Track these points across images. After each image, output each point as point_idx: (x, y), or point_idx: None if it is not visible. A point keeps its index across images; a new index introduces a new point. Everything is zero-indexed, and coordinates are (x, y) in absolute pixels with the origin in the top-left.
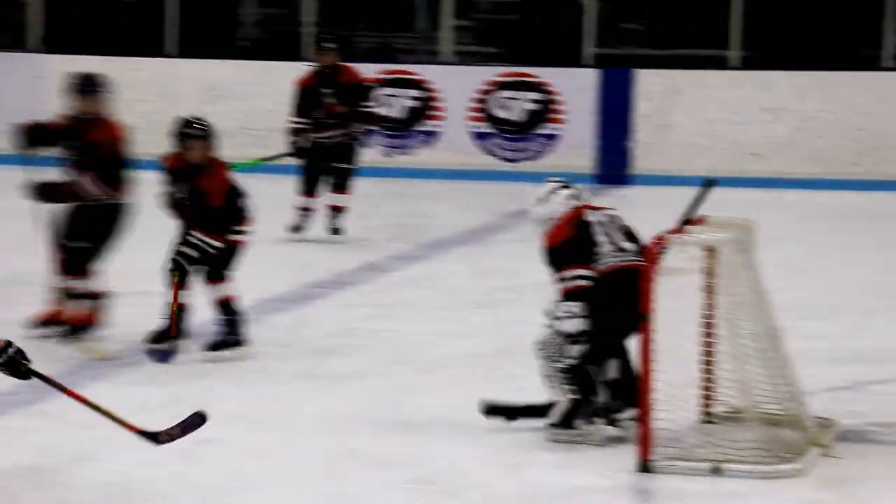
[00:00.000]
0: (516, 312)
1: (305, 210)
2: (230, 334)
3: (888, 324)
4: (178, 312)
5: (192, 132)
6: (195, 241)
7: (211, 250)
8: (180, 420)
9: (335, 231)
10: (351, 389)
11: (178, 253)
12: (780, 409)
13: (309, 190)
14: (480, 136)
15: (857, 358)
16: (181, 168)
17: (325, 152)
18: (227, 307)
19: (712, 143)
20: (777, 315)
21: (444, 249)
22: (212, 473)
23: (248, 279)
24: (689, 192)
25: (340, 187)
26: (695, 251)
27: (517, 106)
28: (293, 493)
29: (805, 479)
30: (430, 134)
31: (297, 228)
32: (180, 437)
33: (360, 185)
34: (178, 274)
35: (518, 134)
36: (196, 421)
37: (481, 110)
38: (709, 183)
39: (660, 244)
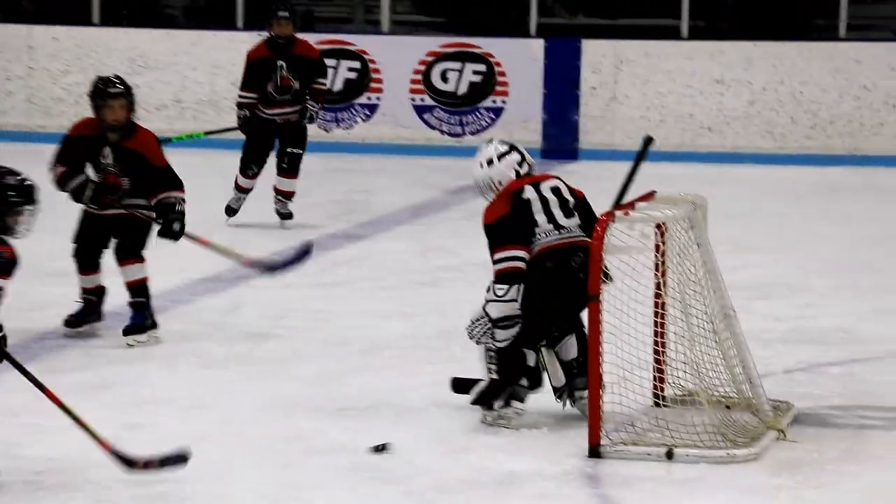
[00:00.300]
0: (460, 292)
1: (244, 192)
2: (146, 318)
3: (845, 303)
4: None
5: (114, 90)
6: (173, 199)
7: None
8: (162, 455)
9: (284, 216)
10: (289, 372)
11: (175, 220)
12: (735, 392)
13: (252, 170)
14: (422, 110)
15: (813, 339)
16: (99, 135)
17: (274, 131)
18: (141, 289)
19: (662, 116)
20: (730, 295)
21: (385, 227)
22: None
23: (181, 259)
24: (640, 168)
25: (291, 172)
26: (645, 228)
27: (460, 78)
28: (230, 479)
29: (760, 464)
30: (369, 107)
31: (232, 211)
32: (156, 469)
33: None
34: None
35: (461, 107)
36: (177, 459)
37: (423, 82)
38: (648, 141)
39: (607, 221)
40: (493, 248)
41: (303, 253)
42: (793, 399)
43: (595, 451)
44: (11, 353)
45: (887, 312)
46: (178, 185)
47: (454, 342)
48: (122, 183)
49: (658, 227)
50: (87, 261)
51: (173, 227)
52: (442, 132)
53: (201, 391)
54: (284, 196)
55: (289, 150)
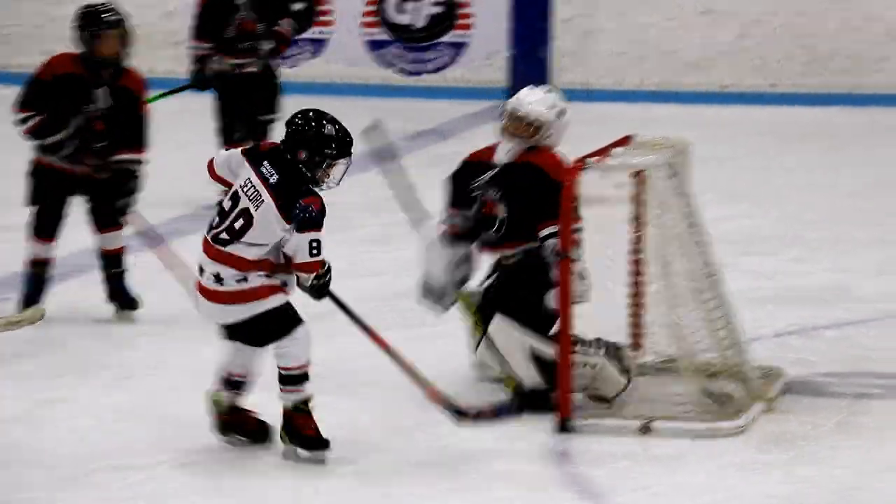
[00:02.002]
0: (416, 250)
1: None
2: (126, 294)
3: (841, 258)
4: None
5: (112, 17)
6: (132, 165)
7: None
8: (496, 405)
9: None
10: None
11: (127, 194)
12: (719, 359)
13: (239, 133)
14: (376, 46)
15: (806, 298)
16: (87, 74)
17: (240, 86)
18: (120, 259)
19: (643, 52)
20: (715, 250)
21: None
22: (63, 439)
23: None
24: (618, 109)
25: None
26: (621, 177)
27: (418, 10)
28: (165, 458)
29: (748, 438)
30: (317, 42)
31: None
32: (489, 420)
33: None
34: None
35: (419, 42)
36: (513, 409)
37: (377, 14)
38: (372, 128)
39: (578, 169)
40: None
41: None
42: (784, 365)
43: (564, 426)
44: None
45: (888, 269)
46: (143, 142)
47: (408, 305)
48: (107, 131)
49: (635, 175)
50: (46, 227)
51: (121, 203)
52: (398, 70)
53: (137, 363)
54: None
55: (260, 117)
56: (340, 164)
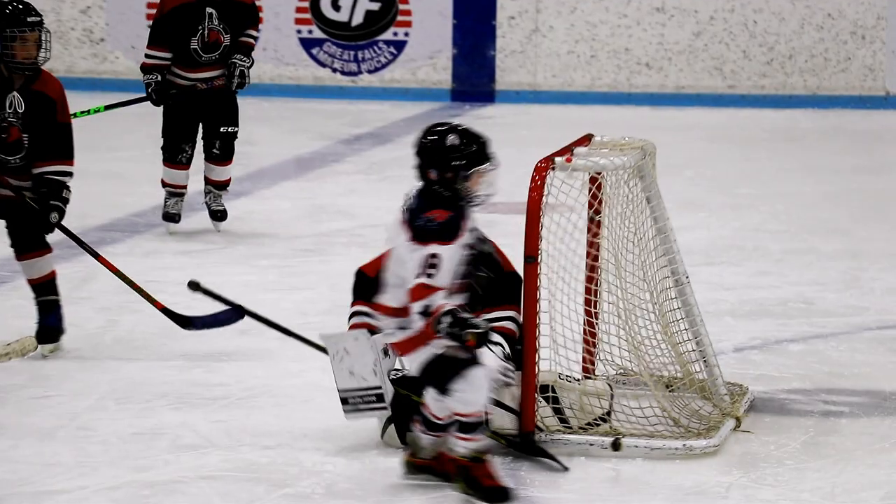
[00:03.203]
0: (355, 260)
1: (179, 189)
2: (59, 319)
3: (805, 269)
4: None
5: (33, 19)
6: (60, 177)
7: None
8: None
9: (218, 215)
10: (150, 356)
11: (54, 209)
12: (681, 374)
13: (185, 154)
14: (310, 44)
15: (768, 311)
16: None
17: (198, 102)
18: (50, 286)
19: (593, 51)
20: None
21: (267, 183)
22: None
23: None
24: (567, 112)
25: (225, 157)
26: (582, 180)
27: (354, 6)
28: (82, 482)
29: (708, 459)
30: None
31: (173, 217)
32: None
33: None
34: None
35: (356, 41)
36: (231, 315)
37: (310, 11)
38: (194, 286)
39: (546, 169)
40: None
41: (231, 317)
42: (746, 382)
43: (528, 441)
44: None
45: (855, 280)
46: (69, 153)
47: (347, 319)
48: (24, 141)
49: (592, 178)
50: None
51: (50, 217)
52: (334, 70)
53: (45, 381)
54: (218, 187)
55: (221, 129)
56: (481, 172)
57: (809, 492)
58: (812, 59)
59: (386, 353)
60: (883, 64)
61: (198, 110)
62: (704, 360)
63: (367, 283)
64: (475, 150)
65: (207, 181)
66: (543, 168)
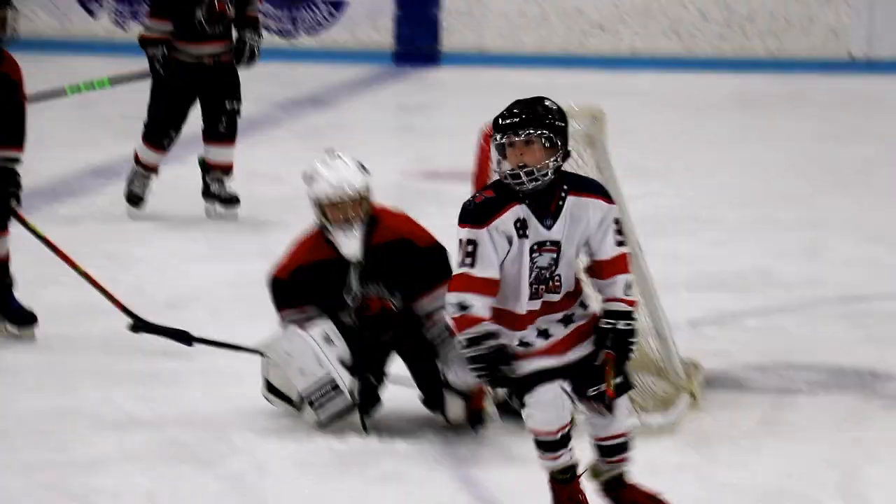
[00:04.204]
0: (289, 229)
1: (150, 170)
2: (20, 308)
3: (763, 240)
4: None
5: None
6: (10, 164)
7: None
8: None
9: (228, 201)
10: (72, 331)
11: (11, 196)
12: (638, 349)
13: (168, 138)
14: None
15: (724, 284)
16: None
17: (200, 78)
18: (4, 268)
19: (543, 12)
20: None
21: (194, 148)
22: None
23: None
24: (515, 76)
25: (229, 136)
26: None
27: None
28: (5, 458)
29: (662, 439)
30: None
31: (137, 200)
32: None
33: (81, 63)
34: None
35: (293, 0)
36: (180, 336)
37: None
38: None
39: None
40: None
41: (180, 338)
42: (701, 357)
43: (477, 419)
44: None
45: (815, 252)
46: (20, 139)
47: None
48: None
49: None
50: None
51: (11, 204)
52: (269, 30)
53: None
54: (224, 171)
55: (226, 104)
56: (500, 148)
57: (764, 472)
58: (773, 20)
59: (329, 341)
60: (847, 26)
61: (197, 89)
62: (658, 335)
63: (286, 289)
64: (496, 124)
65: (211, 166)
66: (490, 135)
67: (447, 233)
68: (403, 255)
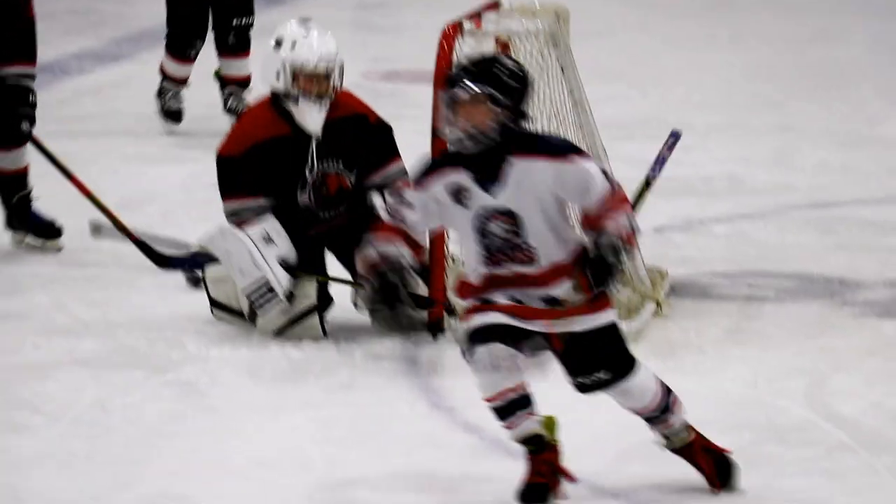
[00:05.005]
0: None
1: (180, 83)
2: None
3: (733, 145)
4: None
5: None
6: (24, 81)
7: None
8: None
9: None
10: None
11: (24, 118)
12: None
13: (193, 48)
14: None
15: (692, 189)
16: None
17: None
18: (21, 181)
19: None
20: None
21: (149, 44)
22: None
23: None
24: None
25: (241, 47)
26: (491, 48)
27: None
28: None
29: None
30: None
31: (174, 115)
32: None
33: None
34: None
35: None
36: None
37: None
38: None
39: (454, 35)
40: None
41: (196, 262)
42: (667, 264)
43: (436, 327)
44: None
45: (784, 156)
46: (32, 54)
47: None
48: None
49: (503, 46)
50: None
51: (21, 127)
52: None
53: None
54: (239, 83)
55: (234, 19)
56: (448, 105)
57: (731, 380)
58: None
59: (268, 240)
60: None
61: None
62: None
63: (237, 169)
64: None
65: (227, 80)
66: (450, 34)
67: (410, 138)
68: (358, 129)
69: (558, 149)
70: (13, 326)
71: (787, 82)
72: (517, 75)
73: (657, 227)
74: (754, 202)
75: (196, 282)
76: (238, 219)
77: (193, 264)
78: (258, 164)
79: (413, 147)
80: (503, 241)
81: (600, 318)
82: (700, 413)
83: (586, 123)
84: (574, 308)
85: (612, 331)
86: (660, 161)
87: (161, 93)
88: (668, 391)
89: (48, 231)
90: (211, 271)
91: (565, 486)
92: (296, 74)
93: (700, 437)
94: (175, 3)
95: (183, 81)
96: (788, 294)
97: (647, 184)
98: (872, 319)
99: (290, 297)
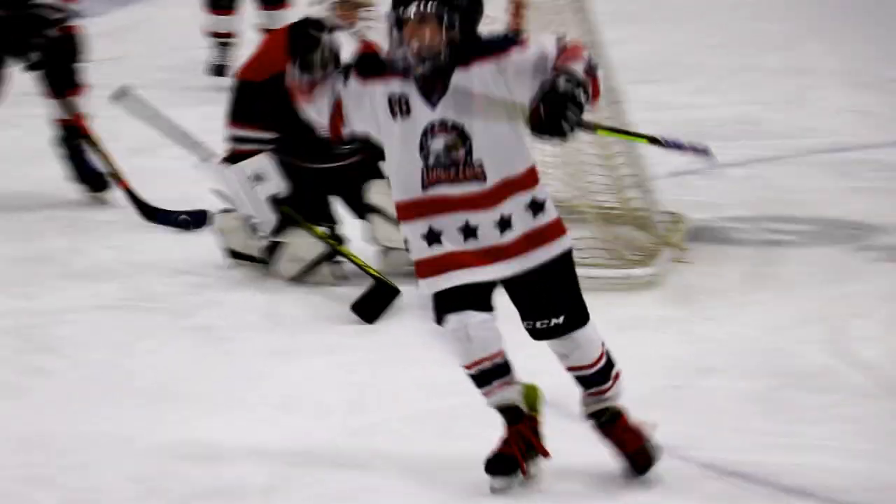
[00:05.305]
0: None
1: (226, 37)
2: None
3: (749, 88)
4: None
5: None
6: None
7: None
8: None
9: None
10: (37, 172)
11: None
12: (620, 200)
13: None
14: None
15: (708, 133)
16: None
17: None
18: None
19: None
20: (613, 77)
21: None
22: None
23: None
24: None
25: (226, 4)
26: None
27: None
28: None
29: (645, 292)
30: None
31: (218, 69)
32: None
33: None
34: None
35: None
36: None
37: None
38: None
39: None
40: None
41: (193, 222)
42: (684, 209)
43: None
44: None
45: (802, 99)
46: None
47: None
48: None
49: None
50: None
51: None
52: None
53: None
54: (218, 38)
55: None
56: (395, 24)
57: (749, 325)
58: None
59: (259, 178)
60: None
61: None
62: (640, 186)
63: (254, 96)
64: None
65: (212, 34)
66: None
67: None
68: None
69: (494, 45)
70: (32, 271)
71: (803, 22)
72: None
73: (674, 172)
74: (771, 145)
75: (185, 224)
76: (238, 147)
77: (182, 224)
78: (277, 94)
79: None
80: (447, 157)
81: (556, 247)
82: (719, 357)
83: (602, 66)
84: (528, 236)
85: (567, 268)
86: (677, 145)
87: (212, 51)
88: (609, 355)
89: (97, 182)
90: (220, 221)
91: (538, 461)
92: (336, 3)
93: (626, 416)
94: None
95: (229, 35)
96: (807, 237)
97: (652, 140)
98: (891, 264)
99: (278, 234)
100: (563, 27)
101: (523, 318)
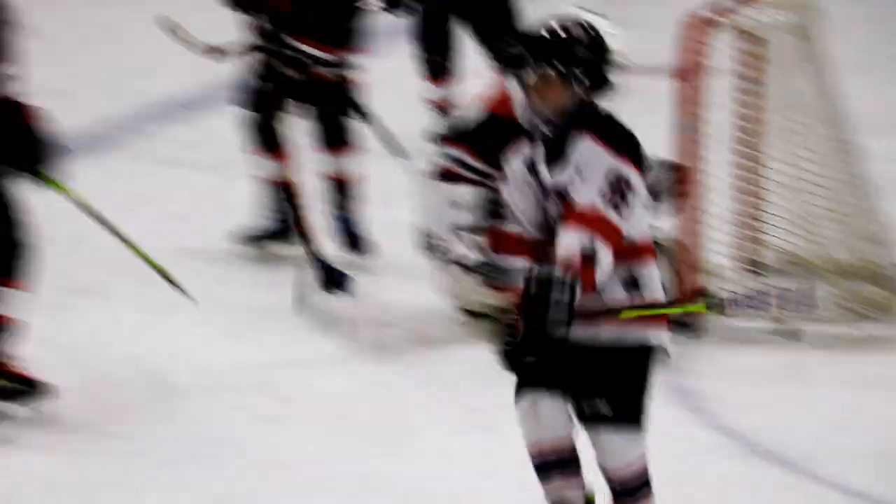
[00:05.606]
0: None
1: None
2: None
3: None
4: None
5: None
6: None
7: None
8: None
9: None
10: None
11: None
12: (854, 255)
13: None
14: None
15: None
16: None
17: None
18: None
19: None
20: (849, 128)
21: None
22: None
23: None
24: None
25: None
26: (733, 40)
27: None
28: None
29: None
30: None
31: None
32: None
33: None
34: None
35: None
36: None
37: None
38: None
39: (708, 26)
40: None
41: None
42: None
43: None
44: None
45: None
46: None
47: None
48: None
49: (754, 37)
50: None
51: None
52: None
53: None
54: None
55: None
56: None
57: None
58: None
59: (455, 205)
60: None
61: None
62: (877, 241)
63: (488, 130)
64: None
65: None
66: (695, 26)
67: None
68: None
69: (623, 145)
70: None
71: None
72: (595, 42)
73: None
74: None
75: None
76: (453, 168)
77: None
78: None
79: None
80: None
81: (636, 335)
82: None
83: (834, 117)
84: (609, 311)
85: (637, 360)
86: (742, 304)
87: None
88: (648, 476)
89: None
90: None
91: None
92: None
93: None
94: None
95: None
96: None
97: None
98: None
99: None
100: (801, 77)
101: (569, 391)
